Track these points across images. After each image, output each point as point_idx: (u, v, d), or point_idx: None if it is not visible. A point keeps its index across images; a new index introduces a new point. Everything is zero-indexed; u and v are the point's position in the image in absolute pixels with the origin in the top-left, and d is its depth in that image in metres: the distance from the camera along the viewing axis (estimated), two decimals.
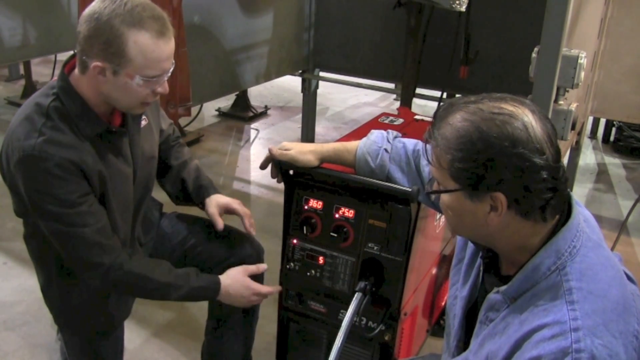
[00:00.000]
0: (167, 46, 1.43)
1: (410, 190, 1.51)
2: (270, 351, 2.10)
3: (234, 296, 1.70)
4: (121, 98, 1.47)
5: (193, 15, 2.99)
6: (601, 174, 4.26)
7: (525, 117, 1.00)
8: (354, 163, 1.60)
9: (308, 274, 1.76)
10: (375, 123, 2.21)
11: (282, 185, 1.74)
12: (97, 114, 1.49)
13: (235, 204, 1.83)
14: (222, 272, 1.72)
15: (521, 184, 0.99)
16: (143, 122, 1.66)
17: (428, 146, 1.09)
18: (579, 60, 1.71)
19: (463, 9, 2.38)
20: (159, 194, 1.89)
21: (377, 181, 1.57)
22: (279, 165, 1.67)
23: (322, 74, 4.06)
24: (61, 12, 4.53)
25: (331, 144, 1.65)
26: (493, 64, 3.22)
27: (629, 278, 1.12)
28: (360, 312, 1.58)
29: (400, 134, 1.62)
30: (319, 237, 1.72)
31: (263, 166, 1.68)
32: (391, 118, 2.26)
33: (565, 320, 0.96)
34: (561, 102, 1.79)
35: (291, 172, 1.71)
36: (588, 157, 4.51)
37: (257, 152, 4.54)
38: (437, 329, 2.33)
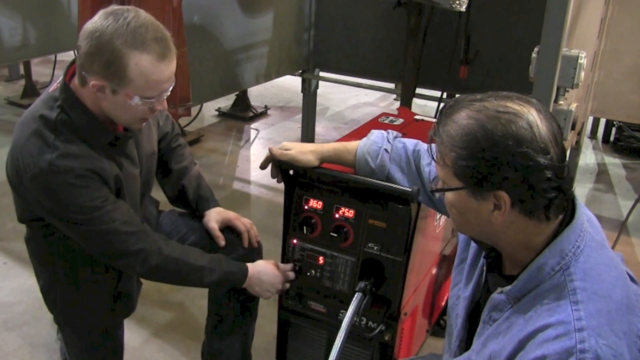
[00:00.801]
0: (168, 68, 1.42)
1: (410, 190, 1.51)
2: (270, 351, 2.10)
3: (265, 282, 1.73)
4: (120, 115, 1.48)
5: (193, 15, 2.99)
6: (601, 174, 4.25)
7: (530, 116, 0.99)
8: (354, 163, 1.60)
9: (308, 274, 1.76)
10: (375, 123, 2.21)
11: (282, 185, 1.74)
12: (103, 122, 1.49)
13: (235, 219, 1.84)
14: None
15: (525, 183, 0.99)
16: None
17: (433, 144, 1.10)
18: (579, 60, 1.72)
19: (463, 9, 2.38)
20: (154, 192, 1.89)
21: (377, 181, 1.57)
22: (279, 165, 1.67)
23: (322, 74, 4.06)
24: (61, 12, 4.52)
25: (331, 144, 1.65)
26: (493, 64, 3.22)
27: (631, 278, 1.12)
28: (360, 312, 1.58)
29: (400, 134, 1.63)
30: (319, 237, 1.72)
31: (263, 166, 1.68)
32: (391, 118, 2.26)
33: (569, 321, 0.96)
34: (561, 102, 1.79)
35: (291, 172, 1.71)
36: (588, 157, 4.51)
37: (257, 152, 4.54)
38: (437, 329, 2.34)
